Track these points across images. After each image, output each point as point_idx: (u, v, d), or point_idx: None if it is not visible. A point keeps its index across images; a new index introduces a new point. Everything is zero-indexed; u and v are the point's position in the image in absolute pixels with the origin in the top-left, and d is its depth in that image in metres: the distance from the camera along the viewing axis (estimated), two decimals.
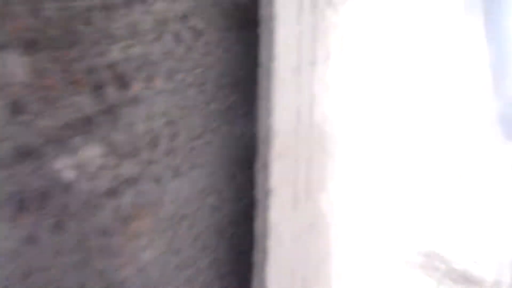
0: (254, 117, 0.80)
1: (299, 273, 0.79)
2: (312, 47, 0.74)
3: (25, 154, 0.53)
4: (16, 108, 0.52)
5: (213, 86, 0.74)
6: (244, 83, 0.80)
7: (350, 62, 0.84)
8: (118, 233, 0.65)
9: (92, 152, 0.61)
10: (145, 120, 0.64)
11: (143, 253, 0.68)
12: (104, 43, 0.58)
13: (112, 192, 0.64)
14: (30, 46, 0.51)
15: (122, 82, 0.60)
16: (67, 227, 0.58)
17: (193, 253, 0.76)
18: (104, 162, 0.63)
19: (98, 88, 0.58)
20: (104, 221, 0.63)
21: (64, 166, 0.58)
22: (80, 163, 0.60)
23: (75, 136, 0.57)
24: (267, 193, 0.75)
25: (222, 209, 0.80)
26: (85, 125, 0.58)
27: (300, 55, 0.75)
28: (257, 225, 0.76)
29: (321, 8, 0.74)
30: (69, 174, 0.60)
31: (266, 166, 0.75)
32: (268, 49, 0.75)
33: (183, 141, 0.71)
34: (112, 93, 0.59)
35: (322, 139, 0.77)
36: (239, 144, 0.80)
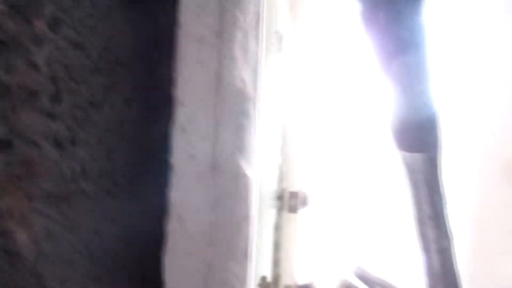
0: (152, 89, 0.74)
1: None
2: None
3: None
4: None
5: (99, 53, 0.68)
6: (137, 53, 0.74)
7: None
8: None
9: None
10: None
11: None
12: None
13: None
14: None
15: None
16: None
17: (94, 227, 0.66)
18: None
19: None
20: None
21: None
22: None
23: None
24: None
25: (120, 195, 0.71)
26: None
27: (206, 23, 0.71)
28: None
29: None
30: None
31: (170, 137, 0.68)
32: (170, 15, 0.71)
33: (67, 106, 0.63)
34: None
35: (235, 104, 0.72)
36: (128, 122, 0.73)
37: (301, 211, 2.53)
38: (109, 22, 0.70)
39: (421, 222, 1.22)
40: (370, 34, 1.10)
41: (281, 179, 2.47)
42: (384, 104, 1.24)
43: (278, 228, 2.46)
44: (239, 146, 0.72)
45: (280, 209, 2.50)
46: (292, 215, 2.48)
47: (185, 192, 0.70)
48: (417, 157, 1.17)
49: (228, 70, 0.71)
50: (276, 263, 2.46)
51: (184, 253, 0.69)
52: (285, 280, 2.36)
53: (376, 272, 1.51)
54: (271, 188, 2.81)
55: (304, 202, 2.50)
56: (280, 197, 2.49)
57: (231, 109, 0.71)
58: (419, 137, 1.20)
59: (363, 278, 1.48)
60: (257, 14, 0.78)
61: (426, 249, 1.19)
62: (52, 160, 0.62)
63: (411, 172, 1.20)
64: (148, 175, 0.73)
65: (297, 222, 2.54)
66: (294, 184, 2.48)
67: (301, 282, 2.42)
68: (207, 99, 0.71)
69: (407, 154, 1.21)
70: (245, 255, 0.73)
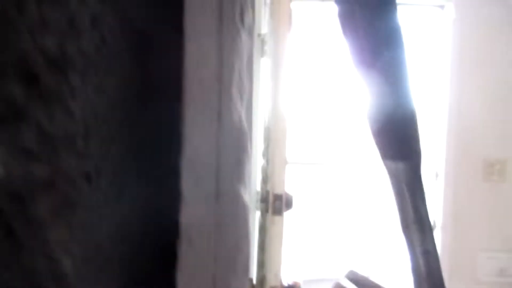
0: (161, 127, 0.84)
1: None
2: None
3: None
4: None
5: (114, 92, 0.77)
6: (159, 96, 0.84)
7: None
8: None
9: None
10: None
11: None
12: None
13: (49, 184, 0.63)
14: None
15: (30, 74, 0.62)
16: None
17: (115, 257, 0.76)
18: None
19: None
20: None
21: None
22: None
23: None
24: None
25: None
26: None
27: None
28: None
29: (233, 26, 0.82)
30: None
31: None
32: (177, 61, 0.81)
33: (94, 144, 0.73)
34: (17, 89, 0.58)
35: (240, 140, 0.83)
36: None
37: (286, 213, 2.64)
38: (121, 65, 0.80)
39: (406, 227, 1.31)
40: (348, 36, 1.17)
41: (265, 181, 2.58)
42: (366, 107, 1.29)
43: (262, 230, 2.57)
44: (238, 175, 0.83)
45: (264, 212, 2.61)
46: (276, 217, 2.59)
47: (193, 216, 0.81)
48: (400, 166, 1.24)
49: (227, 109, 0.82)
50: (261, 265, 2.57)
51: (193, 270, 0.80)
52: (270, 281, 2.46)
53: (369, 276, 1.61)
54: (256, 190, 2.91)
55: (288, 204, 2.61)
56: (264, 200, 2.60)
57: (231, 144, 0.83)
58: (401, 145, 1.27)
59: (356, 282, 1.58)
60: (250, 58, 0.89)
61: (412, 251, 1.28)
62: (84, 193, 0.72)
63: (396, 180, 1.27)
64: (160, 204, 0.84)
65: (282, 224, 2.65)
66: (279, 187, 2.59)
67: (286, 283, 2.50)
68: (210, 135, 0.82)
69: (391, 163, 1.28)
70: (244, 269, 0.84)
